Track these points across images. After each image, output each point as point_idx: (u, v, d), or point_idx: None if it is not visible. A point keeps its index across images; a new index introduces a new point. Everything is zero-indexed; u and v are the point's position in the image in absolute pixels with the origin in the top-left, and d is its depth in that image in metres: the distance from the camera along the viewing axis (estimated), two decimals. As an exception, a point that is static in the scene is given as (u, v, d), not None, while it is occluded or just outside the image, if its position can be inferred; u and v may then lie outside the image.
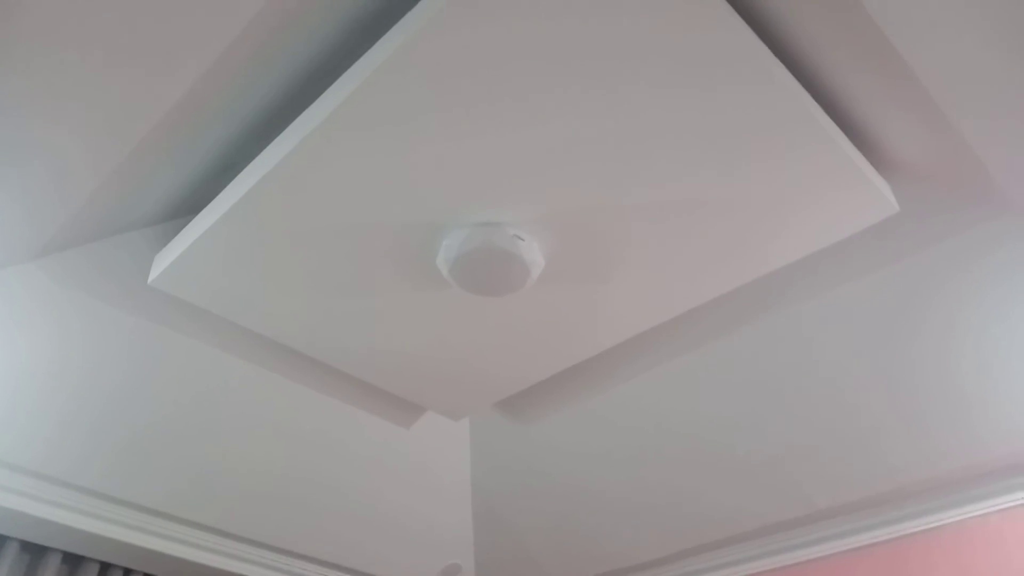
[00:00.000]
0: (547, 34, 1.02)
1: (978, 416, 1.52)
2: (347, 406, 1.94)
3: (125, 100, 1.20)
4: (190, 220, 1.43)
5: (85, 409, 1.67)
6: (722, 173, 1.21)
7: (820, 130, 1.14)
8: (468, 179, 1.23)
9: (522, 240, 1.32)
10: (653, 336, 1.72)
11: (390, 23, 1.10)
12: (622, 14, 1.00)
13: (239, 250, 1.36)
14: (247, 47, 1.16)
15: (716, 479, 1.87)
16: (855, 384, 1.60)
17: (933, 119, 1.18)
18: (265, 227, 1.31)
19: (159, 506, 1.88)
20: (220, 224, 1.30)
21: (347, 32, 1.22)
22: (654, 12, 1.00)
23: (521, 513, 2.19)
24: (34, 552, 1.88)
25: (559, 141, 1.17)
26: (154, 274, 1.42)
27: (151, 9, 1.04)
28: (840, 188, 1.23)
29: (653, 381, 1.82)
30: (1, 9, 0.98)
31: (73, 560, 1.93)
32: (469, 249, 1.31)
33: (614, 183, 1.23)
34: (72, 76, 1.13)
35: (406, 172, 1.21)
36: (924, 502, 1.68)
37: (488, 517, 2.24)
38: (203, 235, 1.32)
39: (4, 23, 1.01)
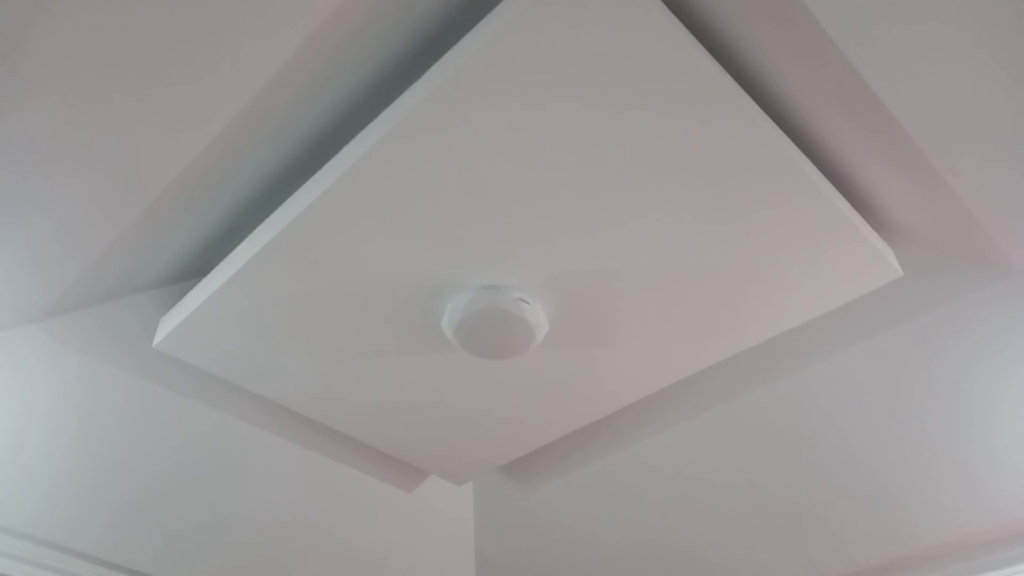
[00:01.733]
0: (546, 108, 1.05)
1: (989, 480, 1.50)
2: (348, 469, 1.92)
3: (135, 163, 1.22)
4: (197, 282, 1.44)
5: (81, 471, 1.65)
6: (726, 239, 1.22)
7: (822, 196, 1.15)
8: (473, 243, 1.24)
9: (526, 303, 1.32)
10: (658, 399, 1.71)
11: (396, 92, 1.13)
12: (630, 89, 1.03)
13: (244, 314, 1.36)
14: (257, 115, 1.18)
15: (726, 542, 1.84)
16: (864, 448, 1.59)
17: (932, 183, 1.20)
18: (271, 291, 1.32)
19: (155, 570, 1.84)
20: (225, 288, 1.31)
21: (354, 101, 1.25)
22: (658, 91, 1.02)
23: (525, 580, 2.15)
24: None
25: (561, 207, 1.18)
26: (159, 337, 1.42)
27: (164, 74, 1.07)
28: (843, 253, 1.23)
29: (659, 445, 1.80)
30: (10, 69, 1.00)
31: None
32: (474, 312, 1.31)
33: (617, 248, 1.24)
34: (83, 138, 1.15)
35: (412, 236, 1.22)
36: (937, 569, 1.64)
37: (491, 584, 2.19)
38: (208, 299, 1.33)
39: (13, 83, 1.03)
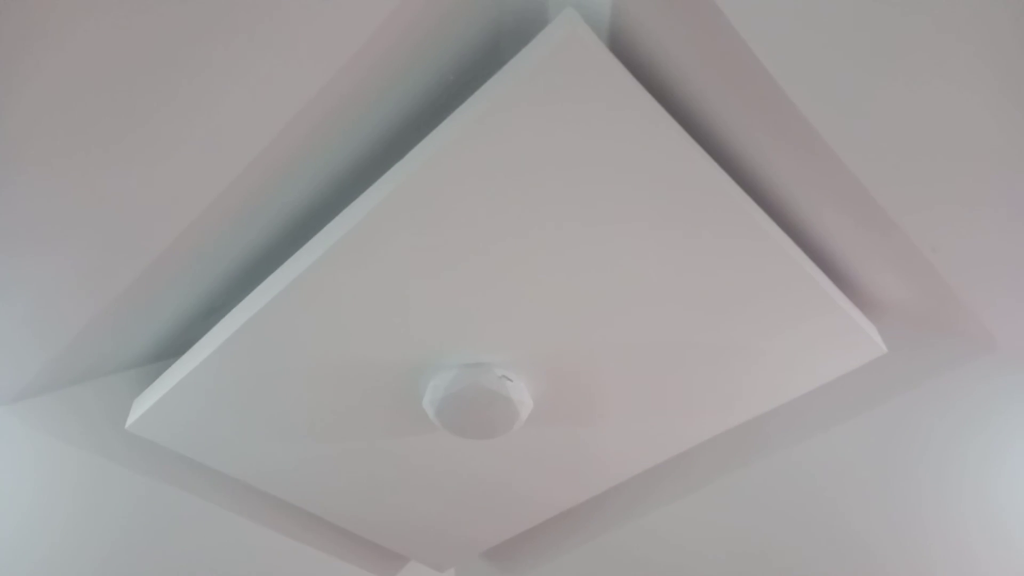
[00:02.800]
0: (537, 188, 1.05)
1: (982, 556, 1.47)
2: (325, 555, 1.85)
3: (109, 249, 1.20)
4: (171, 363, 1.41)
5: (42, 556, 1.58)
6: (711, 320, 1.22)
7: (805, 275, 1.16)
8: (455, 322, 1.23)
9: (510, 380, 1.30)
10: (644, 481, 1.68)
11: (380, 171, 1.13)
12: (611, 176, 1.04)
13: (219, 395, 1.33)
14: (239, 194, 1.18)
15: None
16: (855, 526, 1.55)
17: (913, 261, 1.20)
18: (247, 371, 1.29)
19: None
20: (201, 368, 1.28)
21: (338, 180, 1.25)
22: (638, 161, 1.03)
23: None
24: None
25: (548, 287, 1.18)
26: (131, 419, 1.38)
27: (147, 153, 1.07)
28: (827, 332, 1.23)
29: (645, 529, 1.76)
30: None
31: None
32: (456, 390, 1.29)
33: (601, 327, 1.24)
34: (60, 222, 1.14)
35: (392, 316, 1.21)
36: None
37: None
38: (183, 380, 1.30)
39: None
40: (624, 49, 1.07)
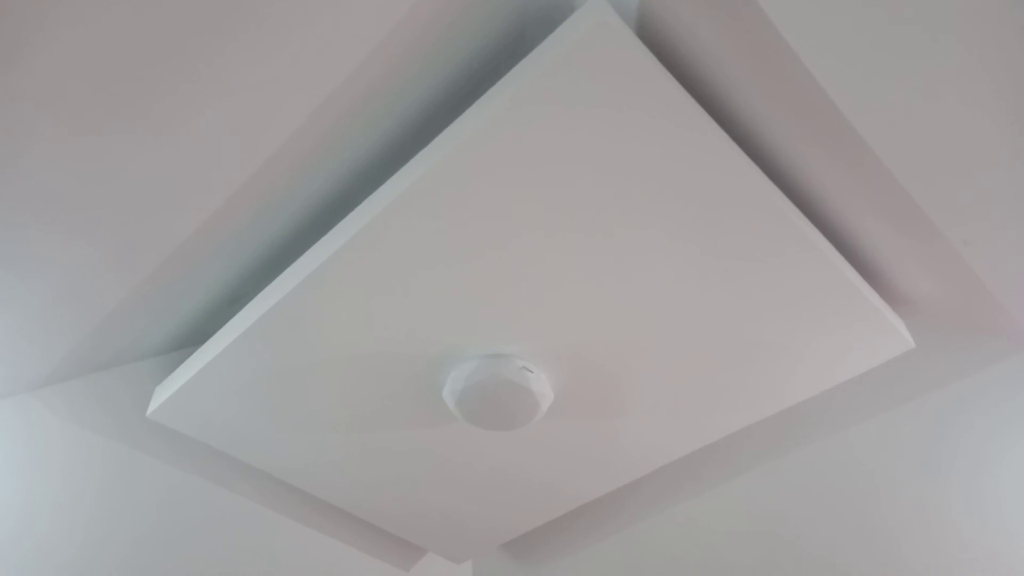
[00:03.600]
0: (563, 180, 1.04)
1: (1012, 558, 1.44)
2: (343, 546, 1.86)
3: (136, 234, 1.21)
4: (193, 351, 1.41)
5: (66, 542, 1.59)
6: (737, 311, 1.20)
7: (834, 268, 1.14)
8: (477, 312, 1.22)
9: (531, 372, 1.29)
10: (665, 476, 1.67)
11: (403, 160, 1.12)
12: (640, 166, 1.02)
13: (240, 384, 1.33)
14: (262, 184, 1.18)
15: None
16: (882, 526, 1.53)
17: (944, 255, 1.18)
18: (268, 360, 1.29)
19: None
20: (222, 357, 1.28)
21: (359, 170, 1.24)
22: (670, 159, 1.02)
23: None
24: None
25: (573, 278, 1.16)
26: (153, 406, 1.39)
27: (173, 142, 1.07)
28: (855, 325, 1.21)
29: (665, 525, 1.75)
30: (12, 123, 1.00)
31: None
32: (476, 381, 1.28)
33: (627, 319, 1.22)
34: (90, 202, 1.14)
35: (414, 306, 1.20)
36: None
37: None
38: (204, 368, 1.30)
39: (16, 138, 1.02)
40: (653, 37, 1.06)
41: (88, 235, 1.19)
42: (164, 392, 1.38)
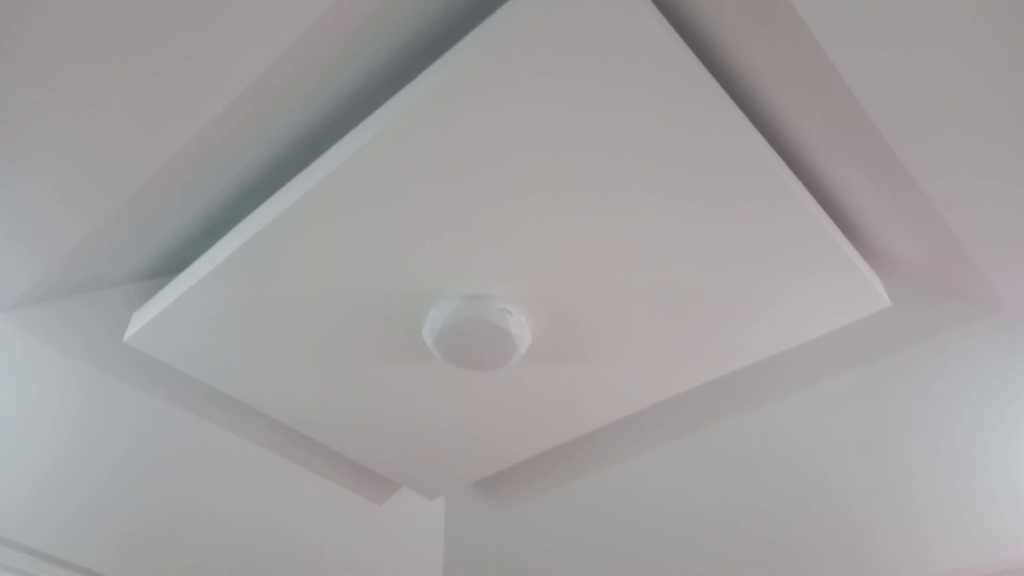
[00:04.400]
0: (551, 120, 1.03)
1: (970, 520, 1.49)
2: (318, 477, 1.88)
3: (113, 158, 1.18)
4: (171, 279, 1.40)
5: (39, 466, 1.59)
6: (714, 262, 1.21)
7: (814, 221, 1.14)
8: (459, 252, 1.21)
9: (511, 314, 1.30)
10: (636, 422, 1.69)
11: (392, 90, 1.10)
12: (626, 108, 1.01)
13: (219, 312, 1.33)
14: (245, 110, 1.15)
15: (699, 572, 1.81)
16: (842, 482, 1.57)
17: (926, 215, 1.19)
18: (248, 290, 1.28)
19: (112, 571, 1.77)
20: (201, 285, 1.27)
21: (345, 101, 1.22)
22: (659, 112, 1.01)
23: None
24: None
25: (555, 220, 1.16)
26: (130, 332, 1.38)
27: (150, 65, 1.04)
28: (831, 280, 1.22)
29: (634, 470, 1.78)
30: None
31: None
32: (456, 321, 1.28)
33: (606, 265, 1.23)
34: (61, 128, 1.12)
35: (397, 241, 1.20)
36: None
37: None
38: (183, 295, 1.29)
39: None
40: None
41: (64, 158, 1.17)
42: (142, 318, 1.37)
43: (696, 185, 1.10)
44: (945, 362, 1.39)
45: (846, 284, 1.22)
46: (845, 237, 1.22)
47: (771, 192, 1.10)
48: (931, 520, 1.52)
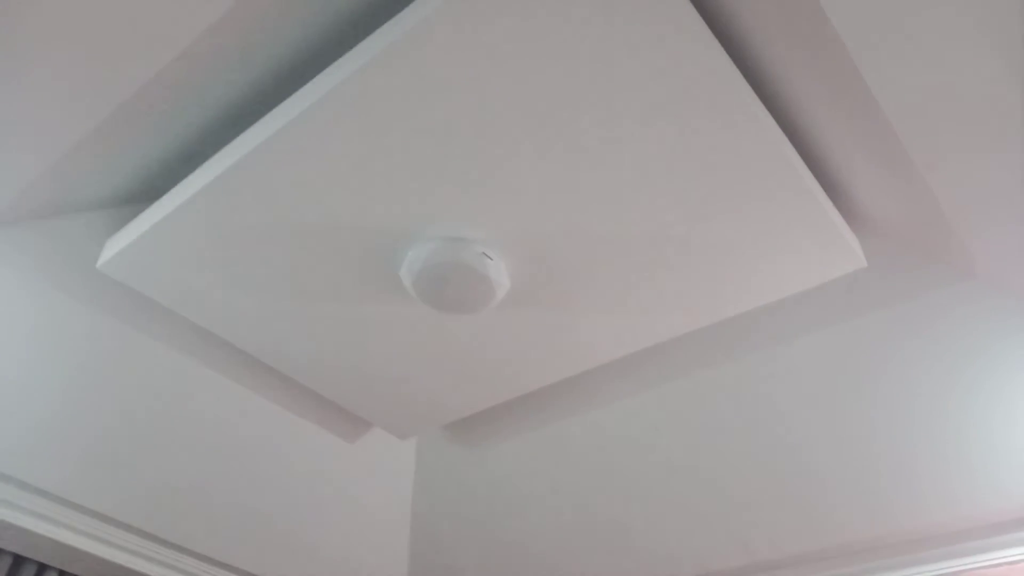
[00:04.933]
0: (533, 61, 1.01)
1: (927, 480, 1.52)
2: (289, 414, 1.89)
3: (91, 76, 1.15)
4: (146, 207, 1.38)
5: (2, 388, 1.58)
6: (695, 212, 1.21)
7: (797, 178, 1.14)
8: (441, 192, 1.20)
9: (490, 259, 1.30)
10: (608, 372, 1.71)
11: (377, 23, 1.08)
12: (610, 50, 1.00)
13: (196, 242, 1.31)
14: (228, 34, 1.12)
15: (662, 520, 1.85)
16: (808, 437, 1.60)
17: (908, 177, 1.19)
18: (226, 221, 1.27)
19: (75, 497, 1.77)
20: (178, 213, 1.25)
21: (331, 29, 1.19)
22: (645, 52, 0.99)
23: (459, 539, 2.14)
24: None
25: (537, 165, 1.15)
26: (103, 259, 1.36)
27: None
28: (810, 238, 1.23)
29: (606, 416, 1.80)
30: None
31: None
32: (435, 263, 1.28)
33: (588, 213, 1.22)
34: (35, 48, 1.09)
35: (379, 177, 1.18)
36: (866, 561, 1.67)
37: (425, 540, 2.18)
38: (159, 223, 1.28)
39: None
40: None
41: (36, 78, 1.14)
42: (116, 245, 1.35)
43: (681, 133, 1.09)
44: (917, 324, 1.41)
45: (824, 242, 1.23)
46: (827, 196, 1.22)
47: (756, 144, 1.10)
48: (888, 478, 1.55)
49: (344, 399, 1.72)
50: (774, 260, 1.27)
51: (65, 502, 1.76)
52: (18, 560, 1.82)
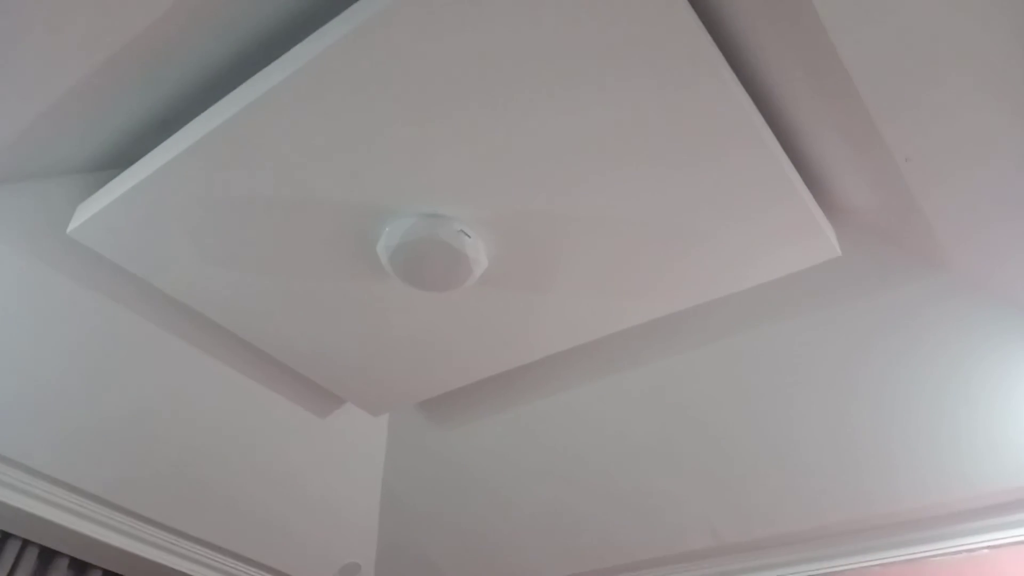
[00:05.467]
0: (512, 35, 1.00)
1: (900, 468, 1.55)
2: (263, 388, 1.87)
3: (66, 37, 1.13)
4: (118, 173, 1.35)
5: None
6: (677, 198, 1.21)
7: (777, 166, 1.15)
8: (421, 168, 1.19)
9: (468, 237, 1.29)
10: (581, 353, 1.71)
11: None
12: (592, 24, 0.99)
13: (168, 211, 1.29)
14: (199, 3, 1.10)
15: (628, 502, 1.87)
16: (778, 424, 1.62)
17: (884, 168, 1.20)
18: (199, 191, 1.25)
19: (36, 465, 1.74)
20: (152, 180, 1.23)
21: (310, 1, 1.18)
22: (624, 27, 0.99)
23: (428, 518, 2.15)
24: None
25: (517, 144, 1.14)
26: (74, 224, 1.34)
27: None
28: (786, 225, 1.24)
29: (578, 398, 1.81)
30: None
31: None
32: (412, 239, 1.27)
33: (565, 193, 1.22)
34: (9, 5, 1.06)
35: (356, 151, 1.17)
36: (835, 545, 1.70)
37: (395, 519, 2.19)
38: (132, 189, 1.25)
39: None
40: None
41: (8, 36, 1.11)
42: (87, 211, 1.33)
43: (663, 117, 1.09)
44: (890, 316, 1.43)
45: (800, 230, 1.24)
46: (804, 184, 1.22)
47: (737, 131, 1.10)
48: (860, 465, 1.58)
49: (317, 374, 1.71)
50: (750, 246, 1.27)
51: (27, 468, 1.74)
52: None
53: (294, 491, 2.05)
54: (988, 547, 1.53)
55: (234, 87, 1.18)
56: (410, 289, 1.41)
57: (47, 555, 1.91)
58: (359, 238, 1.34)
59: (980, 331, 1.38)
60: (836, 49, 1.00)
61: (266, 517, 2.07)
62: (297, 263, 1.39)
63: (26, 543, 1.86)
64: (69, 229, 1.34)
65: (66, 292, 1.55)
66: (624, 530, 1.91)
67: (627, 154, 1.15)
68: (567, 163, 1.17)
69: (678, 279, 1.36)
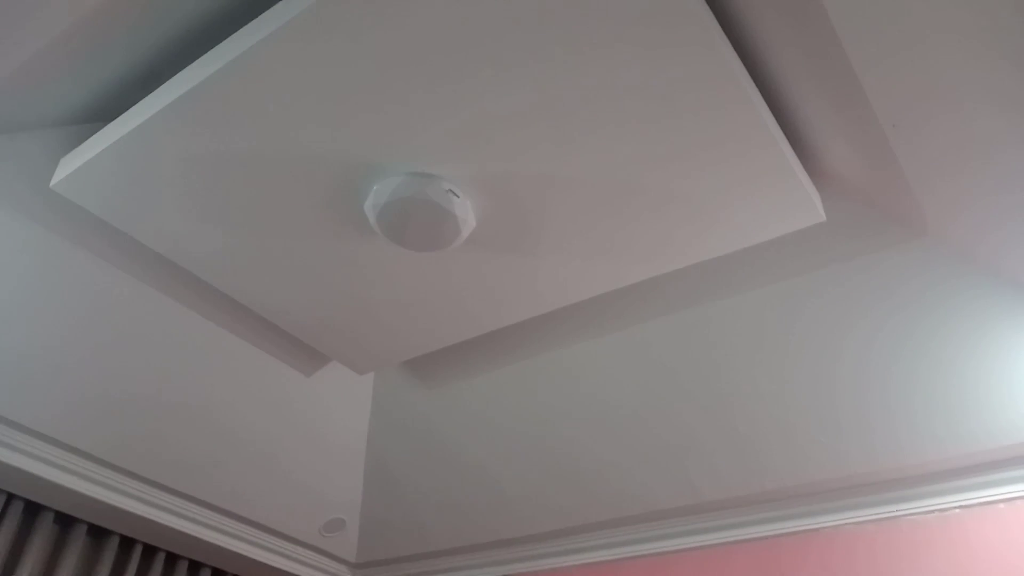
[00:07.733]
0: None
1: (876, 429, 1.58)
2: (247, 345, 1.87)
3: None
4: (102, 126, 1.33)
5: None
6: (661, 159, 1.21)
7: (764, 129, 1.15)
8: (410, 125, 1.18)
9: (456, 197, 1.29)
10: (566, 315, 1.73)
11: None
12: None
13: (153, 166, 1.27)
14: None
15: (610, 461, 1.89)
16: (761, 384, 1.64)
17: (874, 139, 1.21)
18: (184, 146, 1.23)
19: (22, 419, 1.75)
20: (137, 133, 1.21)
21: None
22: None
23: (413, 476, 2.18)
24: None
25: (507, 104, 1.14)
26: (57, 178, 1.32)
27: None
28: (772, 189, 1.24)
29: (562, 359, 1.83)
30: None
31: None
32: (400, 197, 1.27)
33: (555, 155, 1.22)
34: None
35: (346, 107, 1.16)
36: (808, 504, 1.74)
37: (379, 476, 2.21)
38: (116, 143, 1.24)
39: None
40: None
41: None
42: (70, 164, 1.31)
43: (648, 76, 1.08)
44: (870, 280, 1.45)
45: (786, 194, 1.24)
46: (791, 147, 1.23)
47: (724, 91, 1.09)
48: (838, 425, 1.61)
49: (302, 332, 1.71)
50: (735, 209, 1.28)
51: (7, 421, 1.73)
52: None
53: (279, 448, 2.07)
54: (959, 507, 1.57)
55: (220, 41, 1.17)
56: (397, 248, 1.41)
57: (32, 508, 1.92)
58: (347, 196, 1.33)
59: (958, 298, 1.41)
60: (824, 7, 1.00)
61: (250, 474, 2.08)
62: (283, 220, 1.39)
63: (11, 496, 1.87)
64: (52, 183, 1.32)
65: (49, 244, 1.53)
66: (606, 486, 1.94)
67: (613, 114, 1.14)
68: (555, 123, 1.16)
69: (665, 241, 1.36)
